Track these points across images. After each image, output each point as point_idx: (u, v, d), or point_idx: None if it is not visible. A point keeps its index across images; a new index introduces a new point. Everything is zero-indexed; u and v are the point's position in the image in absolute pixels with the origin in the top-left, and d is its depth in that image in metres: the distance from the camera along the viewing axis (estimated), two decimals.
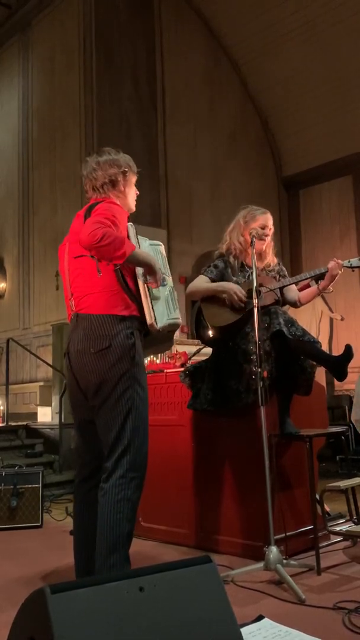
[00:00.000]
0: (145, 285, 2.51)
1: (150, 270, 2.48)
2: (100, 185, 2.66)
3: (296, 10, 8.85)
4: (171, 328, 2.58)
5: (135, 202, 2.80)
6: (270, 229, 3.34)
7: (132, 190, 2.75)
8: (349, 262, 3.18)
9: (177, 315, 2.59)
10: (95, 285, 2.48)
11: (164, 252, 2.72)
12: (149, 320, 2.48)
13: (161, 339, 2.67)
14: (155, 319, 2.49)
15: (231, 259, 3.36)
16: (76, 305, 2.54)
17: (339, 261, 3.17)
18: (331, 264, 3.17)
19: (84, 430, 2.61)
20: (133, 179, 2.75)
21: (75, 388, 2.57)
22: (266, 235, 3.30)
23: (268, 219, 3.36)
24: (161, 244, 2.76)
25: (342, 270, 3.18)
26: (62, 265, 2.69)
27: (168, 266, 2.68)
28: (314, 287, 3.32)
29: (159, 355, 4.61)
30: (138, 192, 2.81)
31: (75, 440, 2.73)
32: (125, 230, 2.52)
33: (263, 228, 3.29)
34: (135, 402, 2.43)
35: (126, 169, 2.69)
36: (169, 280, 2.63)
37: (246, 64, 9.91)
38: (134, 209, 2.78)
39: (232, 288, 3.23)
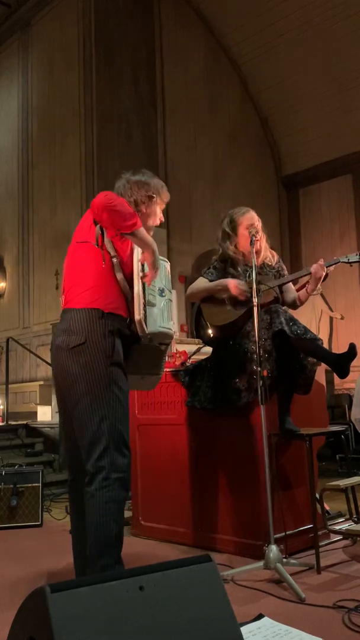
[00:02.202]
0: (141, 283, 2.46)
1: (151, 253, 2.41)
2: None
3: (296, 10, 8.86)
4: (162, 339, 2.52)
5: (153, 227, 2.73)
6: (256, 224, 3.33)
7: (153, 216, 2.70)
8: (346, 257, 3.19)
9: (169, 327, 2.54)
10: (85, 277, 2.44)
11: (169, 269, 2.70)
12: (137, 316, 2.42)
13: (150, 355, 2.59)
14: (145, 320, 2.42)
15: (230, 269, 3.36)
16: (64, 300, 2.51)
17: (322, 263, 3.18)
18: (313, 267, 3.17)
19: (67, 427, 2.55)
20: (159, 205, 2.71)
21: (57, 383, 2.54)
22: (257, 232, 3.27)
23: (252, 217, 3.34)
24: (167, 261, 2.73)
25: (325, 271, 3.17)
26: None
27: (170, 283, 2.66)
28: (303, 291, 3.34)
29: None
30: (163, 219, 2.76)
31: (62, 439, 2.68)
32: None
33: (250, 227, 3.29)
34: (111, 402, 2.35)
35: (154, 195, 2.67)
36: (169, 294, 2.60)
37: (246, 63, 9.92)
38: (150, 233, 2.69)
39: (230, 282, 3.22)
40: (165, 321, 2.53)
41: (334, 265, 3.19)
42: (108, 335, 2.37)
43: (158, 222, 2.74)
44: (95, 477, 2.31)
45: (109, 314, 2.40)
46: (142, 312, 2.43)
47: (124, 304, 2.46)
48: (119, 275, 2.47)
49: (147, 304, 2.47)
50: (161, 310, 2.53)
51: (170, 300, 2.62)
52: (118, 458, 2.34)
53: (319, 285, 3.25)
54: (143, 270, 2.47)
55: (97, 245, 2.45)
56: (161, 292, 2.54)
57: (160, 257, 2.63)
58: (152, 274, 2.45)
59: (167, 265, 2.71)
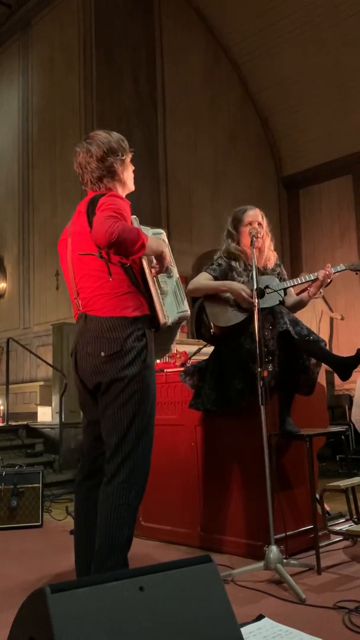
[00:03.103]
0: (155, 280, 2.46)
1: (161, 257, 2.41)
2: (97, 177, 2.54)
3: (296, 10, 8.86)
4: (180, 321, 2.54)
5: (133, 180, 2.68)
6: (258, 223, 3.33)
7: (129, 173, 2.63)
8: (352, 265, 3.21)
9: (186, 308, 2.55)
10: (105, 287, 2.40)
11: (167, 241, 2.62)
12: (162, 319, 2.43)
13: (167, 335, 2.62)
14: (167, 316, 2.45)
15: (233, 263, 3.36)
16: (84, 305, 2.46)
17: (329, 270, 3.18)
18: (321, 274, 3.18)
19: (90, 430, 2.57)
20: (129, 160, 2.63)
21: (82, 389, 2.54)
22: (256, 231, 3.24)
23: (256, 215, 3.35)
24: (163, 232, 2.68)
25: (332, 279, 3.19)
26: (64, 262, 2.61)
27: (172, 256, 2.61)
28: (305, 294, 3.33)
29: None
30: (134, 167, 2.68)
31: (82, 438, 2.70)
32: (130, 223, 2.45)
33: (252, 224, 3.30)
34: (142, 406, 2.37)
35: (123, 156, 2.57)
36: (175, 270, 2.58)
37: (246, 63, 9.91)
38: (133, 188, 2.68)
39: (239, 288, 3.20)
40: (180, 304, 2.53)
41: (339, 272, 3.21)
42: (141, 339, 2.39)
43: (132, 173, 2.68)
44: (114, 479, 2.32)
45: (138, 317, 2.41)
46: (165, 314, 2.45)
47: (144, 302, 2.46)
48: (133, 276, 2.45)
49: (160, 292, 2.48)
50: (174, 294, 2.54)
51: (178, 277, 2.59)
52: (140, 463, 2.35)
53: (321, 290, 3.24)
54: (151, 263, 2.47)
55: (101, 257, 2.41)
56: (169, 272, 2.53)
57: (155, 230, 2.61)
58: (161, 270, 2.46)
59: (164, 236, 2.64)
